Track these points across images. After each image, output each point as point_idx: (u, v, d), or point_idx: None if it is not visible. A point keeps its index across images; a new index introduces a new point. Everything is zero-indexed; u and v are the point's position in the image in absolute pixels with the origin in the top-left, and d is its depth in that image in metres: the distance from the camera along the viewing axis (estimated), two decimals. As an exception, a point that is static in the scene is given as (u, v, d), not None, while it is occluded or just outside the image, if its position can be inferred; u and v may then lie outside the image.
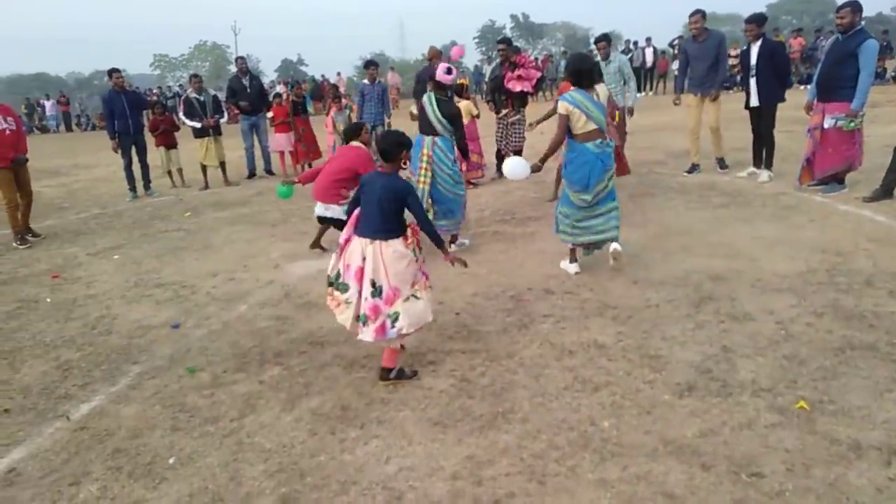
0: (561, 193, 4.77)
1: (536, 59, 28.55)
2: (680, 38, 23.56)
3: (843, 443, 2.53)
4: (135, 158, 9.34)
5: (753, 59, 6.87)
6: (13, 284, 5.52)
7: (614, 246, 4.51)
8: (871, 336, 3.38)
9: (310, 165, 10.01)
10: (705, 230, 5.47)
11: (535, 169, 4.58)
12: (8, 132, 6.86)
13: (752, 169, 7.35)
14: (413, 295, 3.21)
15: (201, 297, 4.89)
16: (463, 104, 8.20)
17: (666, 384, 3.08)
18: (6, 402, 3.43)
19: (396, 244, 3.18)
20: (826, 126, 5.99)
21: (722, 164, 7.77)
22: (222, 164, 9.89)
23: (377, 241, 3.17)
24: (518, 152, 8.71)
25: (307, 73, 46.44)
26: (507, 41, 8.72)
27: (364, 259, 3.17)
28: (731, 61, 22.20)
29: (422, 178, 5.32)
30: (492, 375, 3.32)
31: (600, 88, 4.60)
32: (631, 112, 7.64)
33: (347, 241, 3.30)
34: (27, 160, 7.04)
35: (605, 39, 7.83)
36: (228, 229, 7.03)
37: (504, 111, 8.38)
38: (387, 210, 3.18)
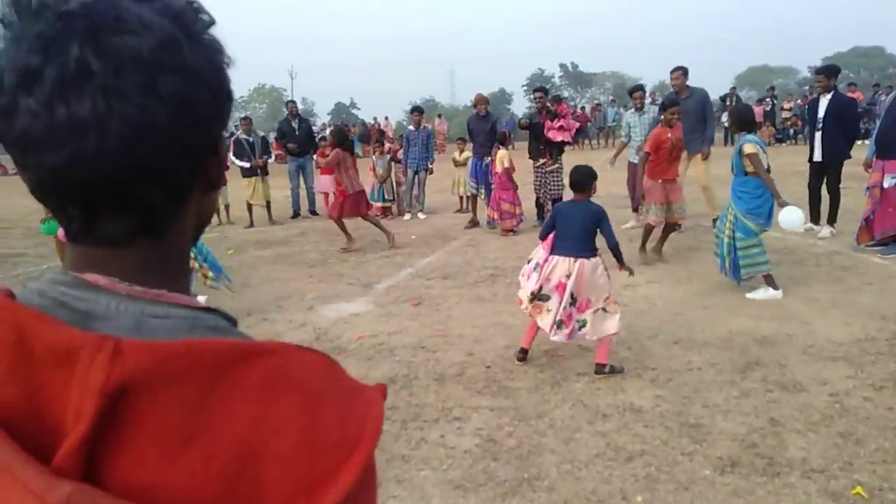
0: (728, 229, 5.03)
1: (584, 108, 28.72)
2: (732, 89, 23.40)
3: (907, 539, 2.28)
4: None
5: (821, 113, 6.66)
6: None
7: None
8: (938, 416, 3.10)
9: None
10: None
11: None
12: None
13: (808, 225, 7.05)
14: (604, 308, 3.73)
15: (234, 336, 4.89)
16: (499, 154, 8.21)
17: (706, 457, 2.87)
18: None
19: (596, 261, 3.75)
20: (886, 185, 5.72)
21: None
22: (268, 204, 10.12)
23: (580, 259, 3.72)
24: (557, 200, 8.65)
25: (358, 116, 47.83)
26: (543, 90, 8.79)
27: (568, 275, 3.72)
28: (784, 113, 21.92)
29: None
30: (519, 436, 3.16)
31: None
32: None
33: (546, 260, 3.84)
34: None
35: (640, 90, 7.83)
36: (268, 268, 7.11)
37: (542, 160, 8.36)
38: (588, 231, 3.79)
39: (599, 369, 3.77)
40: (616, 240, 3.93)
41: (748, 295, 5.02)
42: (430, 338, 4.60)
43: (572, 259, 3.74)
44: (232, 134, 10.85)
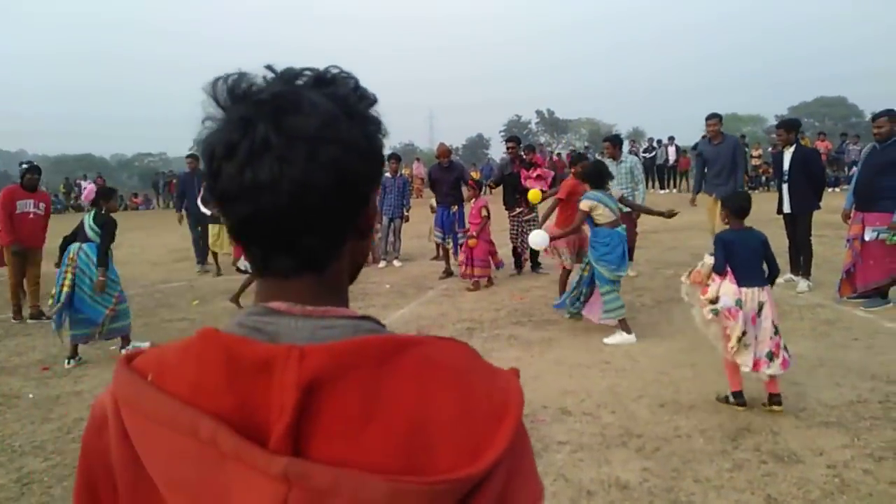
0: (582, 280, 5.57)
1: (560, 154, 29.03)
2: (703, 137, 23.84)
3: None
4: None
5: (786, 165, 6.66)
6: (1, 376, 5.25)
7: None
8: (945, 491, 2.88)
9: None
10: (738, 345, 5.04)
11: (554, 240, 5.84)
12: (32, 216, 7.02)
13: (789, 276, 6.96)
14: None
15: (190, 399, 4.54)
16: (480, 202, 8.02)
17: (701, 544, 2.60)
18: (-51, 524, 3.06)
19: (769, 287, 3.82)
20: (867, 238, 5.65)
21: None
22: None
23: (766, 287, 3.78)
24: (534, 249, 8.50)
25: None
26: (515, 139, 8.77)
27: (760, 306, 3.72)
28: (754, 161, 22.33)
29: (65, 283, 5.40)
30: (496, 519, 2.86)
31: (613, 189, 5.70)
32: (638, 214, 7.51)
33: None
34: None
35: (611, 140, 7.84)
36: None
37: (518, 209, 8.25)
38: (763, 258, 3.84)
39: (777, 400, 3.77)
40: (778, 268, 4.01)
41: (605, 340, 5.35)
42: (401, 400, 4.30)
43: (758, 288, 3.76)
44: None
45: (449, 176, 8.81)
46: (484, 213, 7.80)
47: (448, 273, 8.64)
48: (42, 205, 7.18)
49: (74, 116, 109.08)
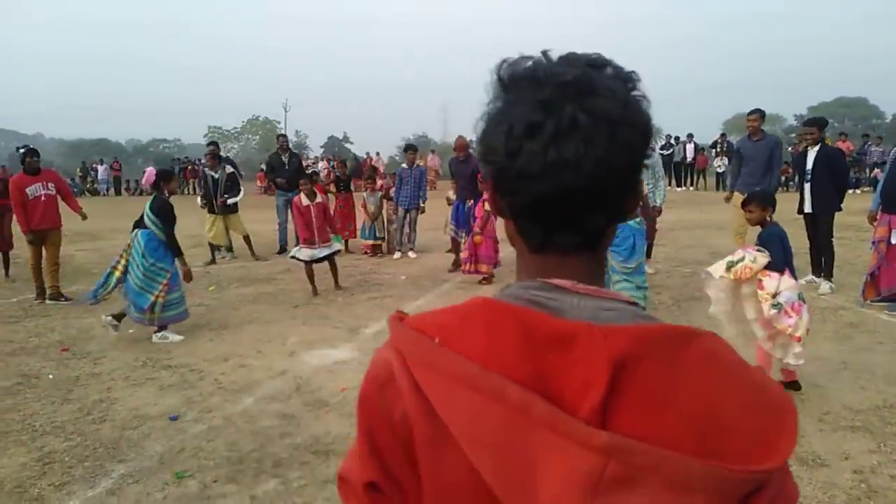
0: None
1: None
2: (722, 135, 23.62)
3: None
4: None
5: (809, 165, 6.54)
6: (20, 356, 5.29)
7: None
8: (975, 500, 2.82)
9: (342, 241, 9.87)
10: (759, 345, 4.97)
11: None
12: (44, 198, 7.01)
13: (810, 277, 6.85)
14: None
15: (207, 384, 4.56)
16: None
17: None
18: (-28, 501, 3.08)
19: None
20: (894, 241, 5.55)
21: None
22: (247, 238, 9.85)
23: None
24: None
25: (351, 150, 47.94)
26: None
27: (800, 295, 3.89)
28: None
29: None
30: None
31: None
32: (659, 211, 7.40)
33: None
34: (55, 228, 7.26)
35: None
36: (250, 307, 6.79)
37: None
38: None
39: (797, 386, 3.99)
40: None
41: None
42: (418, 392, 4.29)
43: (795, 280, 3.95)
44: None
45: (465, 170, 8.73)
46: (486, 208, 7.67)
47: (458, 265, 8.58)
48: (50, 184, 7.13)
49: (91, 101, 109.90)
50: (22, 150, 7.29)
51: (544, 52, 0.68)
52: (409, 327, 0.67)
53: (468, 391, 0.60)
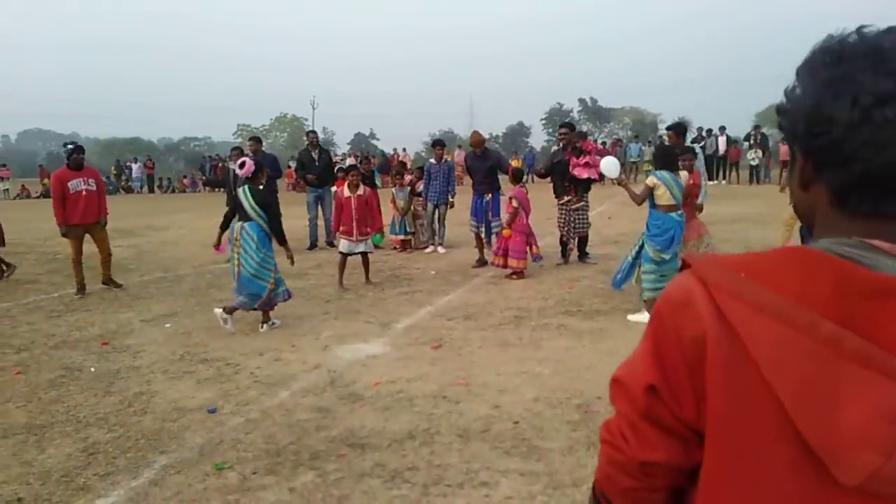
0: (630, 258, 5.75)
1: (604, 143, 28.49)
2: (756, 127, 23.15)
3: None
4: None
5: None
6: (63, 349, 5.44)
7: None
8: None
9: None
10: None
11: (621, 181, 6.14)
12: (85, 193, 7.24)
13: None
14: None
15: (244, 378, 4.63)
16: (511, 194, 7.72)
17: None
18: (22, 489, 3.17)
19: None
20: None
21: None
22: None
23: None
24: (583, 238, 8.33)
25: (378, 146, 48.11)
26: (569, 125, 8.53)
27: None
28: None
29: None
30: (554, 509, 2.83)
31: (682, 174, 5.76)
32: (700, 209, 7.21)
33: None
34: (102, 223, 7.53)
35: (674, 129, 7.37)
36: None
37: (567, 197, 8.07)
38: None
39: None
40: None
41: (629, 317, 5.70)
42: (451, 386, 4.29)
43: None
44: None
45: (482, 164, 8.66)
46: (514, 203, 7.54)
47: (482, 262, 8.53)
48: (91, 181, 7.38)
49: (124, 101, 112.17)
50: (70, 146, 7.54)
51: (860, 28, 0.71)
52: (715, 262, 0.73)
53: (773, 321, 0.66)
